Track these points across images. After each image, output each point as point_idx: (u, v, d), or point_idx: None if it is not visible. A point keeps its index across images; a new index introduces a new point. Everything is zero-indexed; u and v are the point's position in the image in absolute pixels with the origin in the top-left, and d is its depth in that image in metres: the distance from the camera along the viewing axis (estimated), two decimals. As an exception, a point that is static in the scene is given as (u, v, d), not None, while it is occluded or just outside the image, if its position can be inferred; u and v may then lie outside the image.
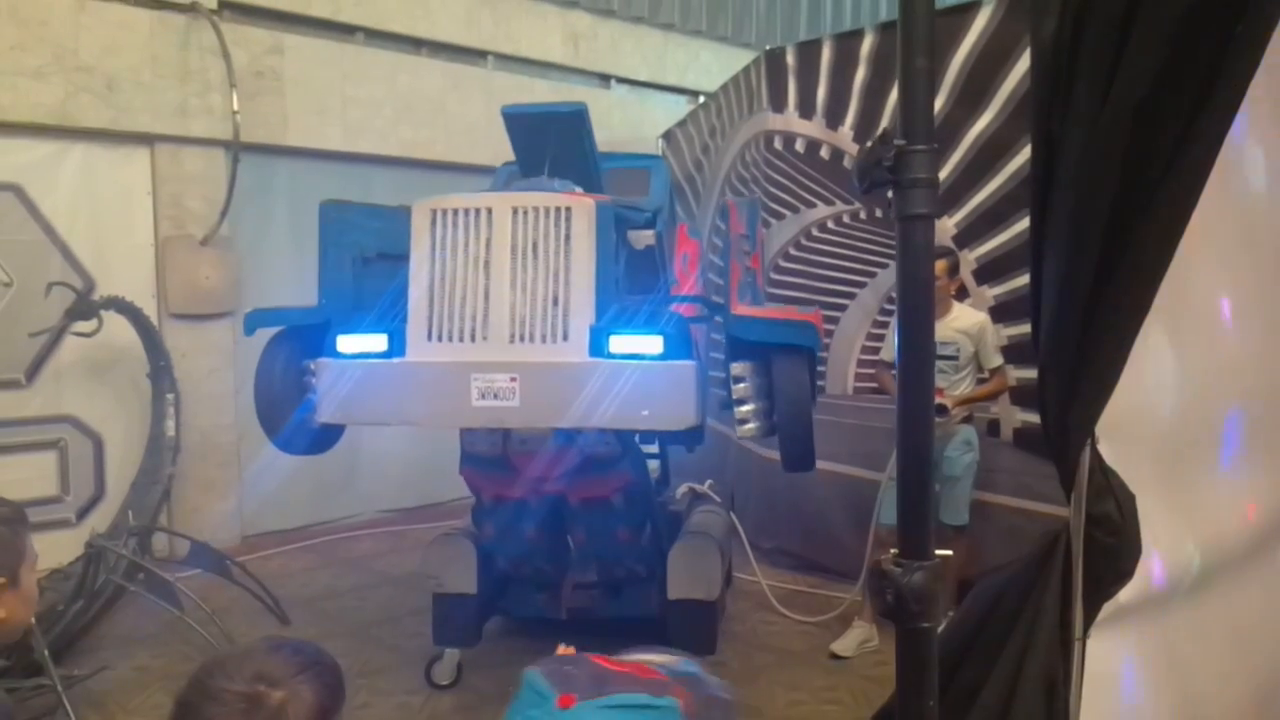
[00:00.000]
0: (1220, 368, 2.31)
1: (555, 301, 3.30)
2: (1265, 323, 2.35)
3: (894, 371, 4.66)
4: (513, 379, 3.24)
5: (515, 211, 3.36)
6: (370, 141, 7.18)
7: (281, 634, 4.61)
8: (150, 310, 5.95)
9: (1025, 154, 4.56)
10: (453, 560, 4.32)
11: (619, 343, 3.24)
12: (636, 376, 3.19)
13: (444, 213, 3.39)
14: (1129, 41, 1.80)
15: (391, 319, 3.45)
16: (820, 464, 5.82)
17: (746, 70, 6.78)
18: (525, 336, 3.29)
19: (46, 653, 3.70)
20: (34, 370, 5.88)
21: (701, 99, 8.75)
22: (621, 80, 8.97)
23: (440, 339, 3.32)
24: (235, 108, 6.28)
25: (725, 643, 4.63)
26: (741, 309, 3.71)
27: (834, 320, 5.85)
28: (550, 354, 3.26)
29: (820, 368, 5.90)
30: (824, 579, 5.62)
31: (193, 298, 6.32)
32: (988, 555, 4.48)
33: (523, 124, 3.98)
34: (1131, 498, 2.09)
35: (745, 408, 3.52)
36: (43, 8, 5.76)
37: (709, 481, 5.44)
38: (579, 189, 3.67)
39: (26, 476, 5.77)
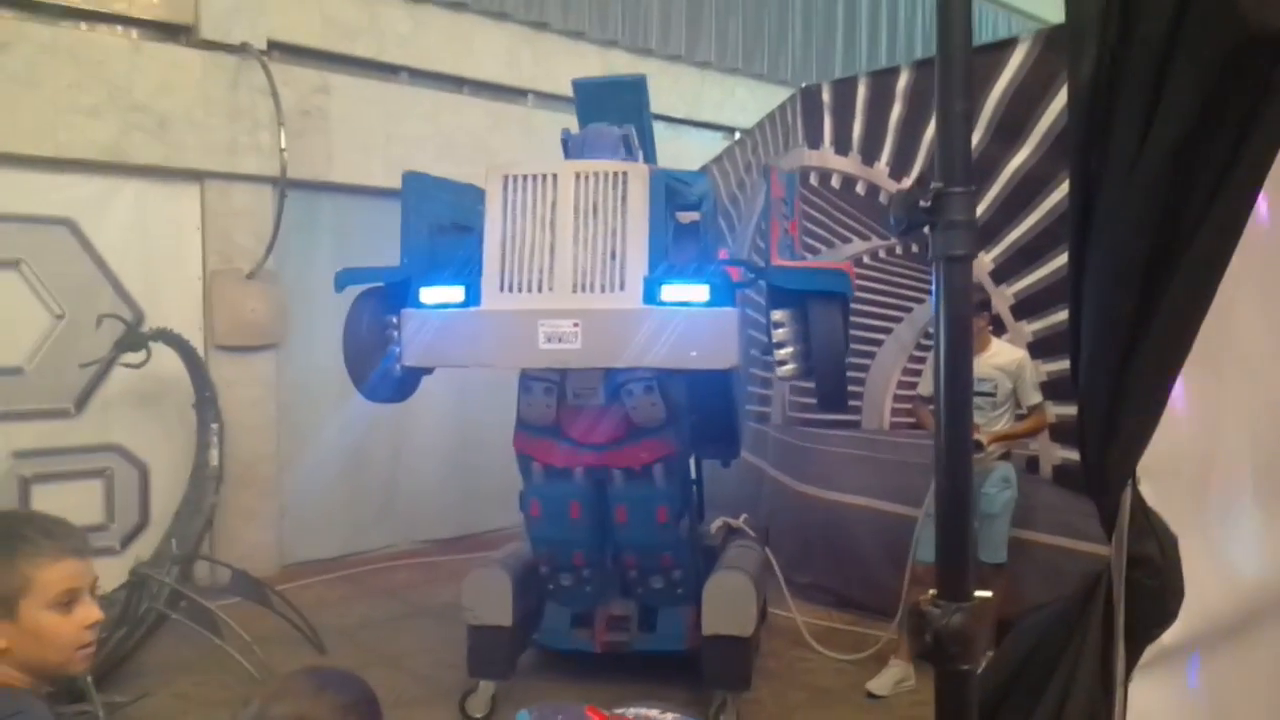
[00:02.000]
0: (1266, 407, 2.29)
1: (613, 255, 3.70)
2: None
3: (931, 407, 4.65)
4: (575, 324, 3.65)
5: (578, 177, 3.77)
6: (412, 177, 7.30)
7: (320, 663, 4.64)
8: (197, 342, 6.08)
9: (1062, 190, 4.58)
10: (488, 592, 4.35)
11: (670, 291, 3.65)
12: (685, 321, 3.60)
13: (515, 178, 3.80)
14: (1166, 83, 1.81)
15: (468, 274, 3.85)
16: (856, 499, 5.88)
17: (782, 107, 6.84)
18: (586, 286, 3.70)
19: (89, 678, 3.77)
20: (83, 400, 6.03)
21: (737, 135, 8.82)
22: (659, 117, 8.95)
23: (511, 290, 3.74)
24: (283, 145, 6.44)
25: (760, 679, 4.60)
26: (781, 262, 4.01)
27: (870, 355, 5.84)
28: (609, 301, 3.67)
29: (856, 402, 5.91)
30: (860, 616, 5.56)
31: (238, 330, 6.45)
32: (1027, 594, 4.42)
33: (589, 91, 4.54)
34: (1174, 539, 2.06)
35: (784, 350, 3.85)
36: (99, 48, 5.96)
37: (743, 516, 5.43)
38: (632, 128, 4.17)
39: (73, 504, 5.87)
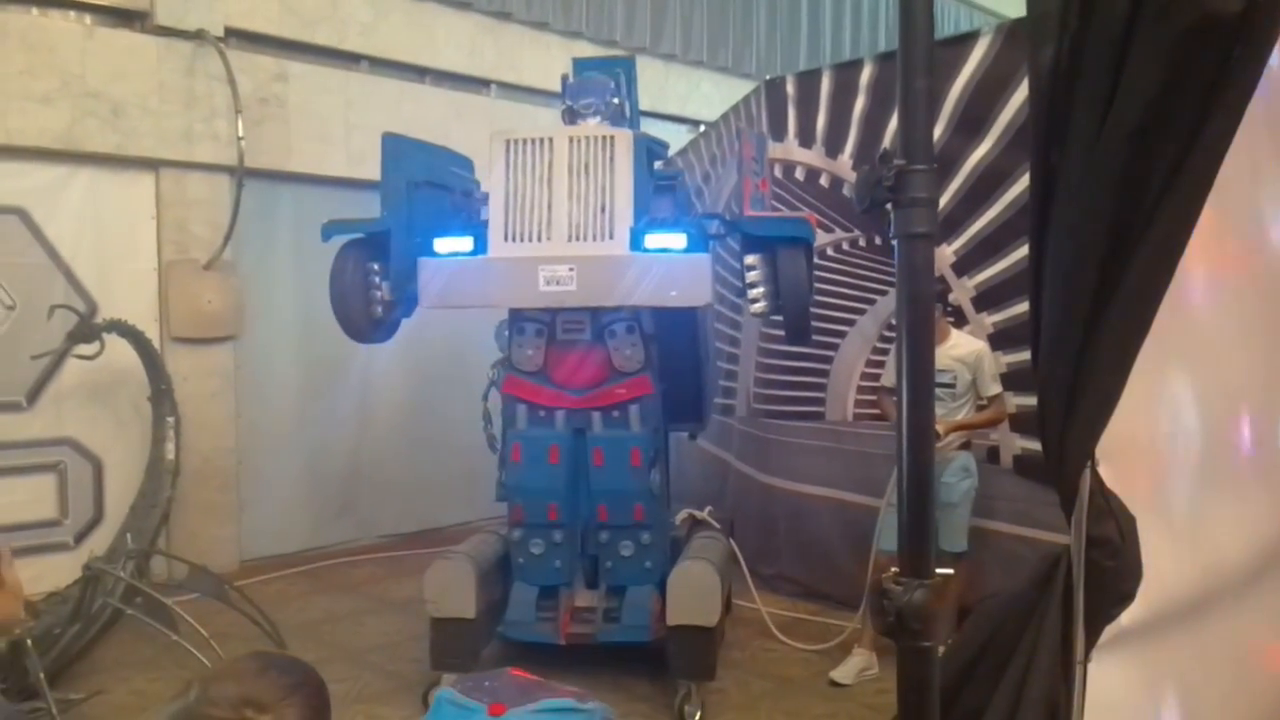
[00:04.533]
0: (1222, 389, 2.32)
1: (603, 209, 4.20)
2: (1267, 342, 2.37)
3: (894, 397, 4.68)
4: (570, 268, 4.14)
5: (571, 140, 4.28)
6: (373, 168, 7.04)
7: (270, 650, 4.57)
8: (152, 334, 5.96)
9: (1023, 183, 4.61)
10: (451, 583, 4.33)
11: (653, 239, 4.15)
12: (666, 265, 4.11)
13: (516, 142, 4.30)
14: (1126, 67, 1.82)
15: (473, 227, 4.41)
16: (820, 490, 5.91)
17: (746, 100, 6.84)
18: (580, 236, 4.19)
19: (42, 675, 3.69)
20: (35, 393, 5.88)
21: (702, 128, 8.81)
22: (624, 109, 9.05)
23: (514, 240, 4.23)
24: (240, 134, 6.32)
25: (724, 669, 4.60)
26: (752, 213, 4.47)
27: (834, 347, 5.86)
28: (599, 249, 4.18)
29: (820, 394, 5.94)
30: (824, 606, 5.59)
31: (195, 321, 6.33)
32: (987, 582, 4.47)
33: (584, 67, 5.09)
34: (1132, 520, 2.09)
35: (756, 290, 4.34)
36: (51, 34, 5.82)
37: (708, 508, 5.44)
38: (621, 73, 4.87)
39: (25, 499, 5.76)
